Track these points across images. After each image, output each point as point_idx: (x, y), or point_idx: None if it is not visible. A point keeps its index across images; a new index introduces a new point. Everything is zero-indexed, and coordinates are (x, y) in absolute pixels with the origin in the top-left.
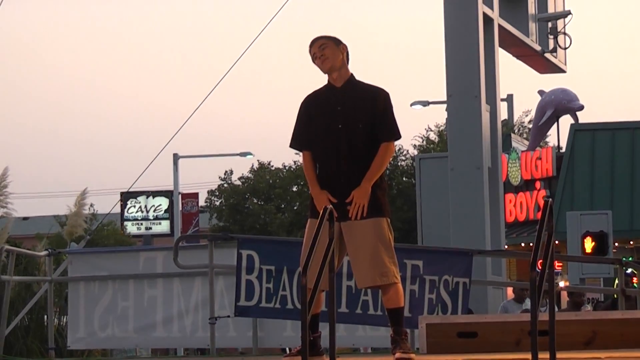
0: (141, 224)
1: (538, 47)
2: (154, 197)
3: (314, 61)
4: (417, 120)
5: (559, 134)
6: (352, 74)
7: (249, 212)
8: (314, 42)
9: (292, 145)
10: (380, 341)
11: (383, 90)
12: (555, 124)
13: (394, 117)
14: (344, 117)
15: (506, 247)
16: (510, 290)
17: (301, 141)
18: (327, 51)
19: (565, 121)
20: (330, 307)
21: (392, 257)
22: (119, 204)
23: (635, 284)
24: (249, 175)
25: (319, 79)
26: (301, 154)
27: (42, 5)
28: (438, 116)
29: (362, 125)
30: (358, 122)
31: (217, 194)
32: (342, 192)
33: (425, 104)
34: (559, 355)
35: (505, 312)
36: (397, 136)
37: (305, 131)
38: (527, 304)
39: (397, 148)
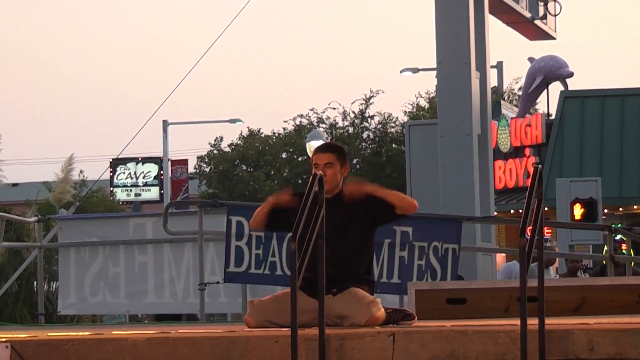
0: (130, 190)
1: (528, 14)
2: (143, 164)
3: (312, 165)
4: (407, 87)
5: (549, 101)
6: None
7: (238, 179)
8: (321, 152)
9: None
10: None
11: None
12: (545, 91)
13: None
14: (333, 228)
15: (495, 213)
16: (499, 256)
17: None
18: (330, 173)
19: (555, 88)
20: (321, 275)
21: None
22: (108, 170)
23: (624, 251)
24: (239, 142)
25: (313, 45)
26: (288, 123)
27: None
28: (428, 83)
29: (354, 233)
30: (349, 230)
31: (207, 160)
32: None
33: (415, 70)
34: (547, 321)
35: (509, 274)
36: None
37: (282, 220)
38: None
39: (386, 115)
